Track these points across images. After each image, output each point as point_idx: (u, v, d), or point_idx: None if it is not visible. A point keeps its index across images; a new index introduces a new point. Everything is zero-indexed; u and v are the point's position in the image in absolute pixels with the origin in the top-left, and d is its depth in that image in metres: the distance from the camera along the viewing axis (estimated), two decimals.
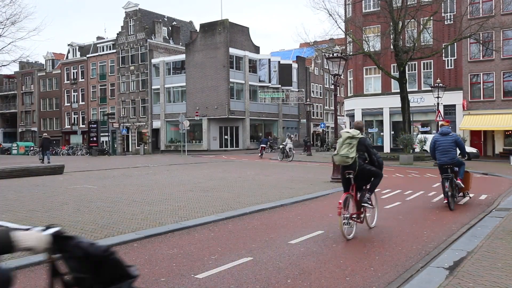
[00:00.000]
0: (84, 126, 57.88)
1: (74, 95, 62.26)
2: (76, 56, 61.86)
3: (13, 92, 70.52)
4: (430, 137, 29.21)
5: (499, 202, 10.20)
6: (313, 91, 61.86)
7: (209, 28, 47.78)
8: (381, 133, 35.74)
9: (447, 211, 9.20)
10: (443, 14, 31.82)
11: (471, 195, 10.91)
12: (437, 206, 9.97)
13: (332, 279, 4.83)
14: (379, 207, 8.27)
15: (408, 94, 28.14)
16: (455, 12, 31.95)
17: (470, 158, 27.14)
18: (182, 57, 50.50)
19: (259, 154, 34.37)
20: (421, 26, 28.03)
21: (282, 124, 53.39)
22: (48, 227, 1.73)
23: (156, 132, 52.97)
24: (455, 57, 32.52)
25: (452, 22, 32.03)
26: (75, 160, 34.27)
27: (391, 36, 27.65)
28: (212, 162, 28.00)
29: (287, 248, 6.18)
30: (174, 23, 58.71)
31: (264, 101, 49.36)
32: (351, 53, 31.43)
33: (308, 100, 52.79)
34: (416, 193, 12.03)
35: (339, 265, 5.36)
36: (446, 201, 9.45)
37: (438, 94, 23.26)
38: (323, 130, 57.54)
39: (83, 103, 61.10)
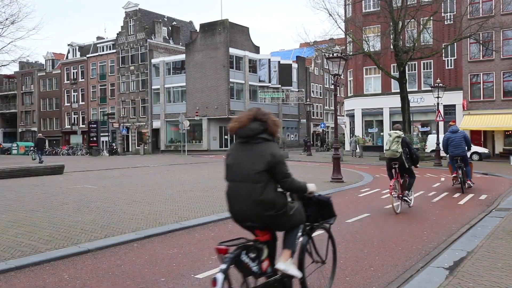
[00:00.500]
0: (84, 126, 57.79)
1: (74, 95, 62.25)
2: (76, 56, 61.87)
3: (13, 92, 70.50)
4: (430, 137, 29.28)
5: (499, 202, 10.20)
6: (313, 91, 61.85)
7: (209, 28, 47.78)
8: (381, 133, 35.73)
9: (447, 211, 9.22)
10: (443, 14, 31.84)
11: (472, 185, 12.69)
12: (437, 206, 9.98)
13: None
14: (379, 207, 9.20)
15: (408, 94, 28.12)
16: (455, 12, 31.97)
17: (482, 158, 27.17)
18: (182, 57, 50.49)
19: None
20: (421, 26, 28.02)
21: (282, 124, 53.38)
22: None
23: (156, 132, 52.95)
24: (455, 57, 32.53)
25: (452, 22, 32.04)
26: (75, 160, 34.26)
27: (391, 36, 27.64)
28: (212, 162, 28.00)
29: None
30: (174, 23, 58.72)
31: (264, 101, 49.32)
32: (351, 53, 31.39)
33: (308, 100, 52.75)
34: (416, 193, 11.98)
35: (339, 265, 5.33)
36: (459, 184, 12.04)
37: (438, 94, 23.23)
38: (323, 130, 57.49)
39: (83, 103, 61.10)
